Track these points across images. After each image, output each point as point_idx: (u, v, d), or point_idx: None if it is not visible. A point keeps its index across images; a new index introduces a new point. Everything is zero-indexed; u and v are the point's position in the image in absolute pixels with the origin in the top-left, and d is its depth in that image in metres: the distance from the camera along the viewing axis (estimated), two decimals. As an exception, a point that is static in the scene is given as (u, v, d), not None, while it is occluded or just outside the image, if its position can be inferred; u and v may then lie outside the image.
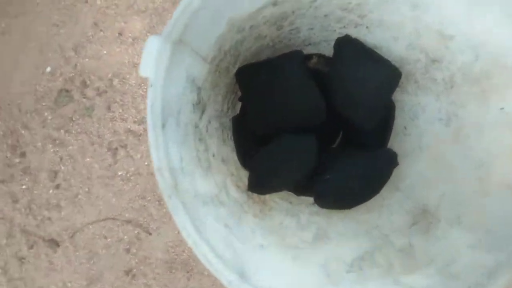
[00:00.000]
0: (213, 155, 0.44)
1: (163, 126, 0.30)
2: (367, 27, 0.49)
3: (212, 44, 0.38)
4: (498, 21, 0.32)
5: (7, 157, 0.68)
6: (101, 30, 0.68)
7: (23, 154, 0.68)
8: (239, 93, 0.56)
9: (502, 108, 0.37)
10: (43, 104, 0.68)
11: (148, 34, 0.68)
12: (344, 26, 0.51)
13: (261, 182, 0.51)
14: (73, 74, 0.68)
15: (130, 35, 0.67)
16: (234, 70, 0.51)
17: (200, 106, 0.41)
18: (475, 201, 0.38)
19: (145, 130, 0.68)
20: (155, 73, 0.28)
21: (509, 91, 0.36)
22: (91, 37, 0.68)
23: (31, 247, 0.68)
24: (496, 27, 0.33)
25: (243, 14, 0.38)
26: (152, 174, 0.67)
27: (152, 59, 0.28)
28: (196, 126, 0.39)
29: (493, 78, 0.37)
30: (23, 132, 0.68)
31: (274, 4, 0.40)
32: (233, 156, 0.55)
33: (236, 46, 0.45)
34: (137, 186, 0.67)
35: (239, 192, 0.47)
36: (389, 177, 0.53)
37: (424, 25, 0.41)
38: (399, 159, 0.53)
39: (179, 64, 0.31)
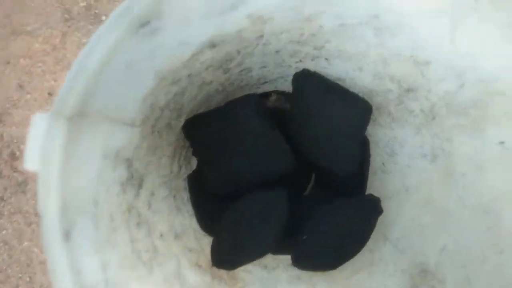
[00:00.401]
0: (161, 236, 0.36)
1: (67, 235, 0.21)
2: (326, 58, 0.42)
3: (139, 104, 0.30)
4: (488, 40, 0.26)
5: None
6: (28, 93, 0.59)
7: None
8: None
9: (502, 143, 0.30)
10: (-33, 184, 0.58)
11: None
12: (300, 60, 0.44)
13: (228, 252, 0.43)
14: (-1, 145, 0.58)
15: (62, 93, 0.59)
16: (180, 124, 0.43)
17: (134, 180, 0.32)
18: (487, 259, 0.31)
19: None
20: (43, 166, 0.20)
21: (507, 122, 0.29)
22: (17, 101, 0.59)
23: None
24: (486, 48, 0.26)
25: (174, 65, 0.30)
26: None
27: (37, 147, 0.20)
28: (130, 210, 0.31)
29: (486, 107, 0.30)
30: None
31: (212, 46, 0.33)
32: (191, 224, 0.46)
33: (175, 99, 0.37)
34: None
35: (200, 274, 0.39)
36: (373, 228, 0.45)
37: (391, 52, 0.35)
38: (384, 201, 0.46)
39: (84, 143, 0.23)
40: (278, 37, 0.37)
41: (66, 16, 0.61)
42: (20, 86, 0.59)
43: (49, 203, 0.20)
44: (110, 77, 0.23)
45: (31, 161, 0.20)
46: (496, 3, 0.24)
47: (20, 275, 0.57)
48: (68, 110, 0.21)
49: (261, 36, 0.35)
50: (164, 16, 0.23)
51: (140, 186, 0.34)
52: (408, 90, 0.38)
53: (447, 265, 0.35)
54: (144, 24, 0.22)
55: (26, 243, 0.57)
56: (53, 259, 0.20)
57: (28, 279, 0.57)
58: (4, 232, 0.57)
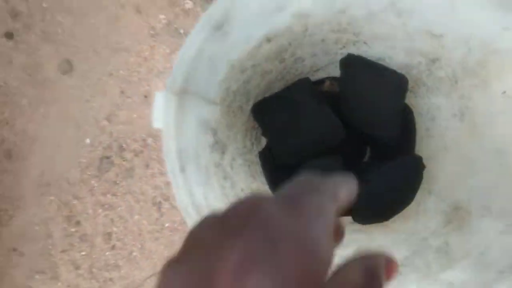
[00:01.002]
0: (242, 190, 0.47)
1: (182, 170, 0.32)
2: (364, 42, 0.51)
3: (218, 87, 0.41)
4: (481, 10, 0.33)
5: (64, 228, 0.74)
6: (128, 97, 0.74)
7: (78, 223, 0.73)
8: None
9: (504, 92, 0.37)
10: (88, 173, 0.74)
11: (171, 91, 0.73)
12: (344, 46, 0.53)
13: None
14: (110, 141, 0.73)
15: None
16: (248, 108, 0.54)
17: (218, 146, 0.43)
18: (501, 188, 0.38)
19: (183, 180, 0.72)
20: (165, 124, 0.32)
21: (506, 75, 0.36)
22: (120, 104, 0.74)
23: (97, 309, 0.72)
24: (481, 16, 0.34)
25: (241, 56, 0.41)
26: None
27: (160, 111, 0.32)
28: (218, 166, 0.42)
29: (488, 65, 0.37)
30: (74, 202, 0.73)
31: (268, 40, 0.43)
32: (265, 190, 0.57)
33: (244, 85, 0.48)
34: (185, 234, 0.70)
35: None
36: (420, 182, 0.53)
37: (413, 29, 0.43)
38: (428, 161, 0.53)
39: (187, 111, 0.34)
40: (321, 28, 0.46)
41: (152, 32, 0.75)
42: (122, 92, 0.74)
43: (169, 148, 0.32)
44: (199, 66, 0.35)
45: (156, 122, 0.32)
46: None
47: (133, 242, 0.72)
48: (176, 88, 0.32)
49: (306, 29, 0.45)
50: (231, 22, 0.34)
51: (223, 152, 0.45)
52: (433, 60, 0.46)
53: (473, 201, 0.42)
54: (219, 28, 0.33)
55: (136, 217, 0.72)
56: (175, 183, 0.32)
57: (139, 245, 0.72)
58: (119, 208, 0.72)
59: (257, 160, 0.59)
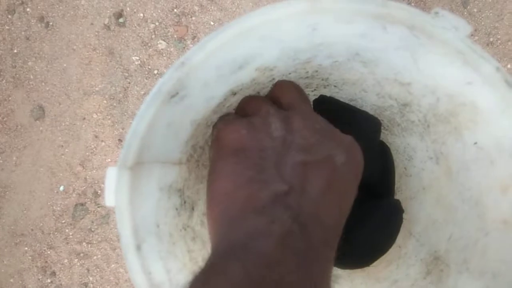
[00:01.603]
0: (214, 247, 0.45)
1: (138, 248, 0.30)
2: (334, 86, 0.49)
3: (183, 147, 0.39)
4: (442, 64, 0.32)
5: (39, 279, 0.70)
6: (102, 141, 0.72)
7: (53, 274, 0.70)
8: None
9: (475, 143, 0.36)
10: (63, 221, 0.71)
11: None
12: (315, 89, 0.52)
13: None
14: (84, 187, 0.71)
15: (129, 138, 0.71)
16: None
17: (187, 205, 0.41)
18: (478, 242, 0.36)
19: (161, 224, 0.69)
20: (117, 202, 0.30)
21: (475, 126, 0.35)
22: (94, 149, 0.72)
23: None
24: (444, 71, 0.33)
25: (205, 114, 0.40)
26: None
27: (111, 189, 0.30)
28: (186, 228, 0.40)
29: (458, 115, 0.36)
30: (49, 252, 0.71)
31: (234, 94, 0.41)
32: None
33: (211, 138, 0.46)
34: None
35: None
36: (400, 226, 0.51)
37: (381, 77, 0.42)
38: (408, 201, 0.52)
39: (143, 183, 0.32)
40: (288, 77, 0.45)
41: (125, 74, 0.73)
42: (96, 137, 0.72)
43: (123, 227, 0.30)
44: (156, 134, 0.33)
45: (108, 200, 0.30)
46: (432, 39, 0.30)
47: (111, 292, 0.69)
48: (129, 162, 0.30)
49: (273, 79, 0.44)
50: (187, 87, 0.32)
51: (192, 209, 0.43)
52: (404, 105, 0.44)
53: (452, 251, 0.40)
54: (174, 95, 0.32)
55: (113, 265, 0.69)
56: (130, 264, 0.29)
57: (117, 295, 0.69)
58: (95, 257, 0.69)
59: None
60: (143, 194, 0.32)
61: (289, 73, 0.44)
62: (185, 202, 0.41)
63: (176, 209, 0.39)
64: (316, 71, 0.44)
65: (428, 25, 0.30)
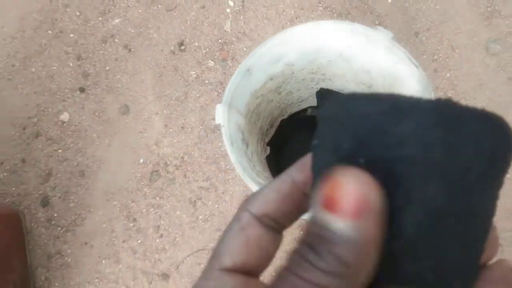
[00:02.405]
0: (258, 171, 0.74)
1: (231, 144, 0.60)
2: (329, 79, 0.80)
3: (244, 106, 0.70)
4: (383, 56, 0.63)
5: (124, 224, 0.99)
6: (169, 128, 1.02)
7: (134, 220, 0.99)
8: (266, 140, 0.87)
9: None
10: (142, 183, 1.00)
11: (200, 125, 1.02)
12: (317, 83, 0.83)
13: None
14: (157, 160, 1.01)
15: (189, 127, 1.01)
16: (259, 124, 0.82)
17: (245, 142, 0.71)
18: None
19: (211, 185, 0.99)
20: (221, 121, 0.60)
21: (403, 91, 0.65)
22: (164, 134, 1.02)
23: (150, 282, 0.96)
24: (384, 58, 0.64)
25: (256, 88, 0.70)
26: (222, 212, 0.97)
27: (220, 114, 0.60)
28: (245, 152, 0.69)
29: (393, 87, 0.67)
30: (132, 205, 0.99)
31: (271, 79, 0.72)
32: (271, 178, 0.84)
33: (257, 107, 0.77)
34: (214, 223, 0.96)
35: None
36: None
37: (355, 69, 0.73)
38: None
39: (231, 116, 0.63)
40: (301, 72, 0.76)
41: (186, 83, 1.05)
42: (165, 125, 1.02)
43: (224, 134, 0.60)
44: (237, 93, 0.63)
45: (218, 120, 0.60)
46: (375, 42, 0.62)
47: (176, 231, 0.97)
48: (226, 103, 0.61)
49: (293, 72, 0.74)
50: (253, 68, 0.63)
51: (247, 146, 0.73)
52: (369, 86, 0.75)
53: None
54: (246, 71, 0.63)
55: (178, 212, 0.98)
56: (229, 152, 0.59)
57: (181, 233, 0.97)
58: (164, 207, 0.98)
59: (265, 161, 0.87)
60: (231, 121, 0.63)
61: (302, 69, 0.75)
62: (244, 139, 0.71)
63: (242, 140, 0.69)
64: (318, 67, 0.75)
65: (372, 34, 0.61)
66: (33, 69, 1.09)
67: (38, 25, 1.11)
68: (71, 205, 1.01)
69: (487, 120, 0.16)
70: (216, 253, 0.19)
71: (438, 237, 0.16)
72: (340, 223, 0.14)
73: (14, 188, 1.03)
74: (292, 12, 1.08)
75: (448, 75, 1.00)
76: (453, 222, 0.16)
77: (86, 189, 1.02)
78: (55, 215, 1.01)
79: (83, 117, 1.06)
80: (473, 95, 1.00)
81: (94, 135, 1.04)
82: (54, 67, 1.09)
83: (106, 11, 1.11)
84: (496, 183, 0.17)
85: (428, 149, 0.15)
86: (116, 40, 1.10)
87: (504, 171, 0.17)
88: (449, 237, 0.16)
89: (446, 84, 1.00)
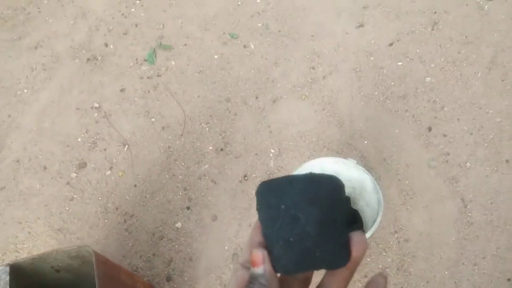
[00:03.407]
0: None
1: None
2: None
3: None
4: (354, 171, 1.32)
5: (218, 287, 1.58)
6: (241, 226, 1.68)
7: (225, 286, 1.58)
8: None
9: (366, 204, 1.33)
10: (227, 262, 1.62)
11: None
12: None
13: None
14: (235, 246, 1.64)
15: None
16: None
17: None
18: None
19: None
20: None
21: (365, 193, 1.33)
22: (238, 232, 1.68)
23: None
24: (355, 172, 1.33)
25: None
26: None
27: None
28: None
29: (363, 185, 1.35)
30: (223, 276, 1.60)
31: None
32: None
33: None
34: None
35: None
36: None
37: (343, 179, 1.41)
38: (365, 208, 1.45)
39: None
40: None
41: (249, 200, 1.74)
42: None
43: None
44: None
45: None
46: (350, 166, 1.32)
47: None
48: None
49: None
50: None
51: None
52: (353, 188, 1.42)
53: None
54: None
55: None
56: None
57: None
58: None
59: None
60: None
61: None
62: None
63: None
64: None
65: (346, 161, 1.32)
66: (158, 198, 1.81)
67: (159, 172, 1.87)
68: (185, 279, 1.63)
69: (330, 177, 0.35)
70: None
71: (323, 234, 0.32)
72: (257, 270, 0.34)
73: (149, 271, 1.66)
74: (309, 153, 1.82)
75: (407, 182, 1.68)
76: (328, 225, 0.33)
77: (193, 268, 1.65)
78: (175, 286, 1.62)
79: (190, 224, 1.73)
80: (416, 189, 1.65)
81: (197, 234, 1.71)
82: (170, 196, 1.81)
83: (199, 161, 1.87)
84: (343, 203, 0.35)
85: (307, 195, 0.33)
86: (206, 177, 1.83)
87: (342, 198, 0.35)
88: (327, 233, 0.33)
89: (400, 183, 1.67)
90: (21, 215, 1.86)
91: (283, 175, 0.37)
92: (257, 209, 0.37)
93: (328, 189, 0.34)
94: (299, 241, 0.33)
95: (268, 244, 0.35)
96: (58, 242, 1.77)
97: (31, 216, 1.85)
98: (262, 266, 0.34)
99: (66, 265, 1.32)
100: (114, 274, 1.29)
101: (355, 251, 0.34)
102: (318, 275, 0.36)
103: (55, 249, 1.22)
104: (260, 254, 0.34)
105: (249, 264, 0.36)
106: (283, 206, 0.33)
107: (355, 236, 0.34)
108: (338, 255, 0.34)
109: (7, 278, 1.20)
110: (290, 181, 0.34)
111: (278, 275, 0.35)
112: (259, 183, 0.37)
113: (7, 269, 1.20)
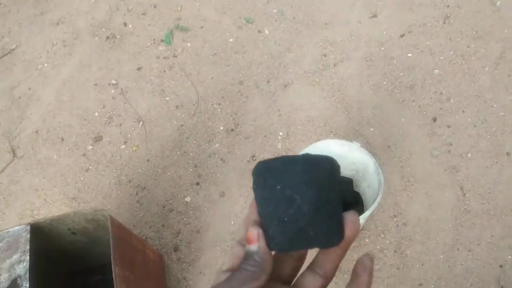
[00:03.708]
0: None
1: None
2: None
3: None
4: (358, 154, 1.39)
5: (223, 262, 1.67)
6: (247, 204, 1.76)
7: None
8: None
9: (368, 185, 1.40)
10: (233, 236, 1.70)
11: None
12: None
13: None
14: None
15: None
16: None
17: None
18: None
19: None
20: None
21: (367, 175, 1.39)
22: (244, 208, 1.75)
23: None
24: (358, 154, 1.39)
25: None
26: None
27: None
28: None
29: (366, 167, 1.41)
30: (228, 248, 1.68)
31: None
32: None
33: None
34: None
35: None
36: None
37: (348, 161, 1.48)
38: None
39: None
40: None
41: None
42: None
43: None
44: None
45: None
46: (353, 148, 1.39)
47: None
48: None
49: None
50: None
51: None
52: (356, 170, 1.49)
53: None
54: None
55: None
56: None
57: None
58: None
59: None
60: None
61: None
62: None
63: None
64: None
65: (351, 144, 1.38)
66: (169, 173, 1.89)
67: (172, 149, 1.95)
68: (192, 250, 1.71)
69: (326, 158, 0.35)
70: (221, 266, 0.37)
71: (317, 214, 0.33)
72: (252, 247, 0.34)
73: (157, 241, 1.75)
74: (316, 137, 1.88)
75: (409, 169, 1.74)
76: (323, 206, 0.33)
77: (200, 240, 1.73)
78: (182, 256, 1.71)
79: (198, 199, 1.81)
80: (418, 175, 1.71)
81: (205, 209, 1.79)
82: (181, 172, 1.88)
83: (210, 140, 1.94)
84: (338, 184, 0.35)
85: (303, 176, 0.33)
86: (216, 156, 1.90)
87: (338, 178, 0.35)
88: (322, 214, 0.33)
89: (402, 170, 1.73)
90: (38, 183, 1.95)
91: (280, 156, 0.38)
92: (253, 189, 0.37)
93: (324, 170, 0.34)
94: (294, 221, 0.33)
95: (263, 223, 0.36)
96: (72, 210, 1.87)
97: (47, 184, 1.94)
98: (256, 244, 0.34)
99: (82, 228, 1.41)
100: (126, 238, 1.38)
101: (348, 230, 0.35)
102: (311, 254, 0.37)
103: (73, 212, 1.31)
104: (255, 232, 0.35)
105: (244, 241, 0.36)
106: (278, 187, 0.34)
107: (348, 216, 0.35)
108: (332, 235, 0.35)
109: (28, 236, 1.28)
110: (287, 161, 0.35)
111: (273, 253, 0.35)
112: (256, 163, 0.37)
113: (28, 227, 1.29)
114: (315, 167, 0.34)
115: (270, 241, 0.35)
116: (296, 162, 0.34)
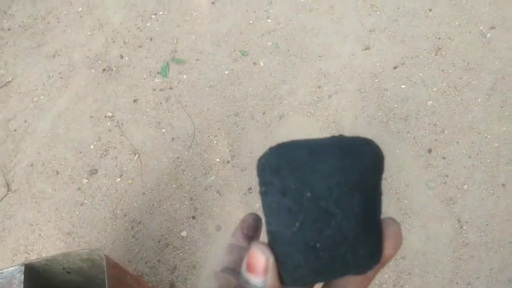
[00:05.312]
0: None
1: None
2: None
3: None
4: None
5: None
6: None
7: None
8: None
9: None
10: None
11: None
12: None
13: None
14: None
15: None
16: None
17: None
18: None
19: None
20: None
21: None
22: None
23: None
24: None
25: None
26: None
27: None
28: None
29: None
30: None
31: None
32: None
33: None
34: None
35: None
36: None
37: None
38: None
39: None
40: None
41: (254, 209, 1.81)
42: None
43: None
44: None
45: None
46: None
47: None
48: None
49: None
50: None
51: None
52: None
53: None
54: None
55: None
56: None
57: None
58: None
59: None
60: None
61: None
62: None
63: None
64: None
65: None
66: (165, 207, 1.88)
67: (167, 182, 1.94)
68: (188, 286, 1.69)
69: (367, 142, 0.24)
70: None
71: (362, 233, 0.22)
72: (255, 279, 0.24)
73: (153, 278, 1.73)
74: (318, 135, 1.88)
75: (406, 201, 1.74)
76: (370, 218, 0.22)
77: (196, 276, 1.71)
78: (178, 293, 1.68)
79: (194, 233, 1.80)
80: (416, 200, 1.71)
81: (201, 243, 1.77)
82: (177, 205, 1.87)
83: (206, 172, 1.94)
84: (380, 182, 0.24)
85: (344, 175, 0.22)
86: (212, 188, 1.90)
87: (382, 172, 0.24)
88: (366, 231, 0.23)
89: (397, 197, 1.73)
90: (33, 217, 1.93)
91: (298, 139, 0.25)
92: (261, 193, 0.25)
93: (368, 161, 0.24)
94: (329, 247, 0.23)
95: (275, 245, 0.24)
96: (67, 245, 1.84)
97: (42, 219, 1.92)
98: (263, 276, 0.24)
99: (77, 267, 1.39)
100: (121, 277, 1.36)
101: (391, 247, 0.25)
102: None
103: (68, 252, 1.29)
104: (263, 259, 0.24)
105: (229, 270, 0.28)
106: (308, 194, 0.23)
107: (389, 228, 0.25)
108: (372, 256, 0.25)
109: (22, 277, 1.26)
110: (314, 149, 0.24)
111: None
112: (265, 150, 0.25)
113: (22, 268, 1.27)
114: (356, 159, 0.24)
115: (286, 274, 0.25)
116: (328, 151, 0.24)
